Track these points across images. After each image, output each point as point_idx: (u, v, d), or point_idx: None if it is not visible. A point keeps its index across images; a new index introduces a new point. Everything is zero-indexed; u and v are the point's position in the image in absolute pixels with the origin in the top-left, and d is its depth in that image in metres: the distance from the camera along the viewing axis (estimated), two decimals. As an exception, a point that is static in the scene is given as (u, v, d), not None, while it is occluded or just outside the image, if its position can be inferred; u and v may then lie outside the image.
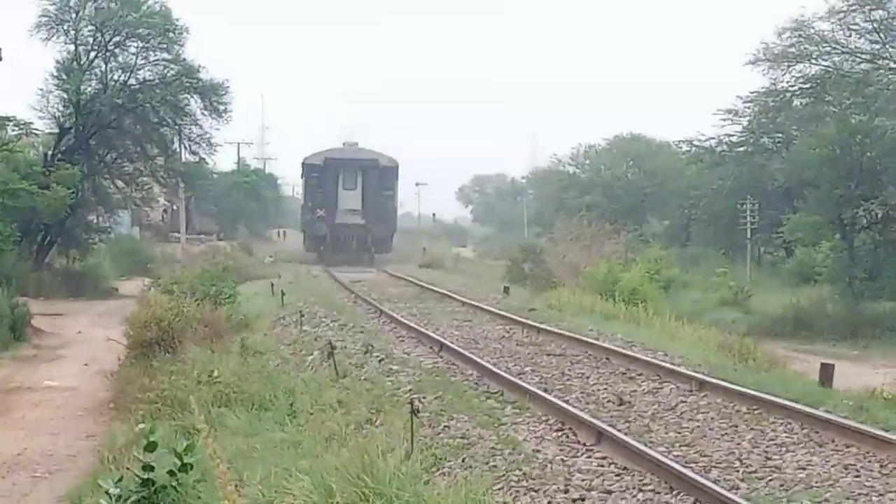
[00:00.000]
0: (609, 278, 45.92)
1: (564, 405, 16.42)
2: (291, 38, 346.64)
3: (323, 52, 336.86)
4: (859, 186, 52.57)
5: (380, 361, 22.07)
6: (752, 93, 74.38)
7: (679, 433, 15.15)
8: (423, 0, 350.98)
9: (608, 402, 17.61)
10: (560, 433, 15.15)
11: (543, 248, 65.05)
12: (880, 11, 63.80)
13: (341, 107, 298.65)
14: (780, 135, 74.51)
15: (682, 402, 17.47)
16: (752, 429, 15.32)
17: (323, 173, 76.50)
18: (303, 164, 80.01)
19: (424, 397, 17.40)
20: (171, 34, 58.37)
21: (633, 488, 12.26)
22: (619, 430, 14.67)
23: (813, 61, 68.16)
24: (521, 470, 12.85)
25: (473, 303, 35.85)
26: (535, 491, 12.13)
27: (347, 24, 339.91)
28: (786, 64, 69.03)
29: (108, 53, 57.99)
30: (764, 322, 49.67)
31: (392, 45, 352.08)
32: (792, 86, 70.71)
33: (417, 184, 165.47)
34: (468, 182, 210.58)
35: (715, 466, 13.20)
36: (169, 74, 59.35)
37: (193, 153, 63.86)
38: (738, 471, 13.00)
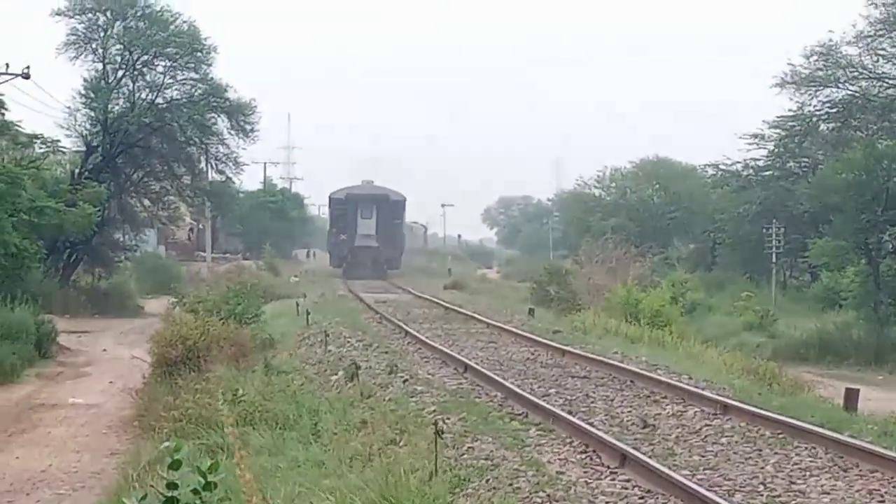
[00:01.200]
0: (630, 301, 45.87)
1: (589, 427, 16.40)
2: (319, 58, 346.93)
3: (346, 70, 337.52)
4: (885, 212, 52.45)
5: (404, 382, 22.05)
6: (778, 118, 74.32)
7: (703, 457, 15.11)
8: (447, 21, 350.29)
9: (632, 424, 17.57)
10: (584, 455, 15.12)
11: (569, 270, 64.98)
12: (908, 37, 63.73)
13: (365, 127, 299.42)
14: (806, 159, 74.35)
15: (707, 425, 17.42)
16: (776, 453, 15.27)
17: (345, 205, 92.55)
18: (329, 197, 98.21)
19: (448, 418, 17.38)
20: (198, 53, 58.70)
21: (657, 511, 12.25)
22: (643, 453, 14.63)
23: (840, 86, 68.10)
24: (544, 492, 12.82)
25: (498, 324, 35.82)
26: (559, 513, 12.12)
27: (371, 34, 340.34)
28: (813, 88, 68.96)
29: (135, 72, 58.32)
30: (789, 346, 49.59)
31: (415, 69, 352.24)
32: (819, 110, 70.67)
33: (443, 205, 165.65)
34: (494, 203, 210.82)
35: (739, 490, 13.16)
36: (196, 94, 59.68)
37: (220, 172, 64.26)
38: (762, 495, 12.95)
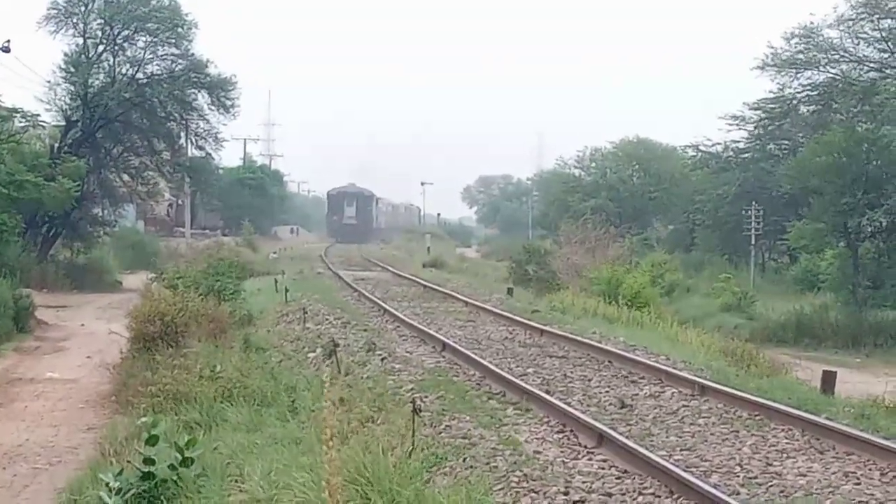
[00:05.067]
0: (612, 281, 45.90)
1: (566, 407, 16.39)
2: (300, 35, 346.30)
3: (327, 48, 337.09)
4: (865, 195, 52.57)
5: (382, 360, 22.04)
6: (759, 99, 74.48)
7: (680, 437, 15.13)
8: (430, 2, 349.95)
9: (610, 405, 17.58)
10: (561, 435, 15.13)
11: (548, 250, 65.01)
12: (889, 20, 63.95)
13: (351, 105, 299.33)
14: (786, 141, 74.60)
15: (684, 406, 17.44)
16: (753, 434, 15.29)
17: (337, 199, 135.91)
18: (327, 193, 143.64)
19: (426, 397, 17.38)
20: (179, 29, 58.50)
21: (634, 491, 12.25)
22: (620, 434, 14.63)
23: (821, 68, 68.32)
24: (521, 471, 12.83)
25: (477, 303, 35.77)
26: (536, 492, 12.11)
27: (353, 19, 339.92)
28: (793, 70, 69.19)
29: (116, 47, 58.14)
30: (767, 328, 49.74)
31: (397, 45, 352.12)
32: (799, 92, 70.94)
33: (423, 183, 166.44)
34: (473, 182, 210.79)
35: (715, 471, 13.18)
36: (177, 69, 59.49)
37: (200, 148, 64.11)
38: (738, 476, 12.97)
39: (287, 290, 36.77)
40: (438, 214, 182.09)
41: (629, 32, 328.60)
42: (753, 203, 69.16)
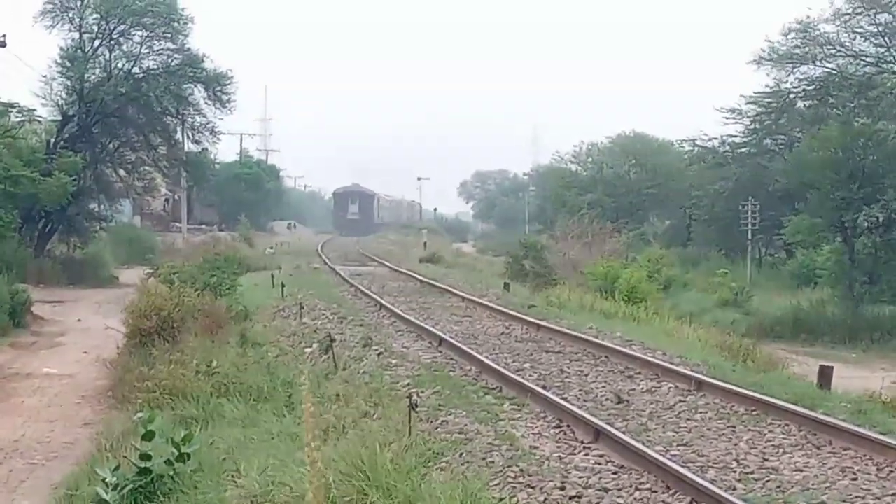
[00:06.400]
0: (609, 276, 45.91)
1: (562, 402, 16.39)
2: (296, 29, 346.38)
3: (323, 43, 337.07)
4: (861, 190, 52.62)
5: (379, 355, 22.05)
6: (755, 93, 74.47)
7: (677, 433, 15.14)
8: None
9: (606, 400, 17.59)
10: (558, 430, 15.13)
11: (544, 245, 64.99)
12: (885, 15, 63.98)
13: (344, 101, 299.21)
14: (783, 136, 74.61)
15: (681, 401, 17.45)
16: (749, 430, 15.29)
17: (343, 196, 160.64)
18: (334, 193, 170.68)
19: (423, 392, 17.40)
20: (175, 23, 58.40)
21: (630, 487, 12.25)
22: (616, 429, 14.63)
23: (817, 63, 68.32)
24: (518, 466, 12.83)
25: (473, 298, 35.77)
26: (532, 487, 12.11)
27: (350, 14, 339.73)
28: (790, 65, 69.14)
29: (112, 42, 58.05)
30: (763, 323, 49.80)
31: (395, 42, 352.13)
32: (796, 87, 70.91)
33: (419, 178, 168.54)
34: (470, 177, 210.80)
35: (712, 466, 13.18)
36: (173, 64, 59.40)
37: (196, 142, 64.00)
38: (734, 471, 12.98)
39: (284, 286, 36.77)
40: (435, 209, 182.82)
41: (626, 26, 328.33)
42: (750, 198, 69.13)
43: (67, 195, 50.46)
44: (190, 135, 63.66)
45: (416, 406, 14.49)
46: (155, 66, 59.69)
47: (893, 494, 12.04)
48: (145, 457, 13.10)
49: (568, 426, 15.24)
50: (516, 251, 61.69)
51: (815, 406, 16.36)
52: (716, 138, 79.86)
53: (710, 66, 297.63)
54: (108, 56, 58.54)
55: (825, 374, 19.94)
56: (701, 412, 16.57)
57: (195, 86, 60.33)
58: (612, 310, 37.11)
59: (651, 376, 19.96)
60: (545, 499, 11.81)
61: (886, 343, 45.67)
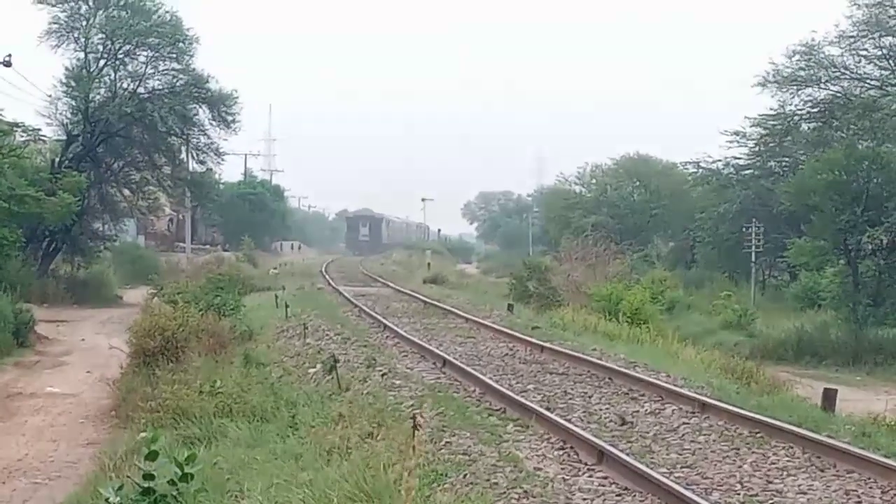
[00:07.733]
0: (613, 298, 45.89)
1: (566, 424, 16.38)
2: (301, 51, 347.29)
3: (328, 64, 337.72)
4: (865, 212, 52.58)
5: (382, 376, 22.03)
6: (759, 115, 74.49)
7: (680, 455, 15.11)
8: (431, 17, 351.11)
9: (610, 421, 17.57)
10: (562, 452, 15.11)
11: (548, 266, 64.95)
12: (890, 38, 64.07)
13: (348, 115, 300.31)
14: (787, 158, 74.58)
15: (685, 423, 17.42)
16: (753, 452, 15.27)
17: (354, 220, 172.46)
18: (346, 217, 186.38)
19: (426, 413, 17.37)
20: (181, 44, 58.59)
21: (634, 509, 12.25)
22: (620, 451, 14.61)
23: (822, 86, 68.35)
24: (521, 488, 12.81)
25: (477, 319, 35.74)
26: (536, 509, 12.11)
27: (354, 27, 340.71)
28: (794, 87, 69.17)
29: (117, 62, 58.20)
30: (767, 346, 49.75)
31: (401, 63, 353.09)
32: (800, 109, 70.91)
33: (423, 199, 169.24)
34: (473, 198, 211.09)
35: (716, 489, 13.16)
36: (178, 84, 59.56)
37: (201, 163, 64.15)
38: (738, 494, 12.95)
39: (287, 306, 36.75)
40: (439, 230, 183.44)
41: (630, 48, 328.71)
42: (754, 220, 69.15)
43: (72, 215, 50.54)
44: (194, 155, 63.86)
45: (420, 427, 14.50)
46: (160, 87, 59.90)
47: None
48: (148, 476, 13.06)
49: (572, 448, 15.22)
50: (520, 272, 61.65)
51: (819, 429, 16.34)
52: (720, 160, 80.00)
53: (714, 87, 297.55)
54: (113, 76, 58.74)
55: (829, 397, 19.91)
56: (705, 434, 16.55)
57: (200, 106, 60.51)
58: (616, 331, 37.09)
59: (655, 398, 19.93)
60: (549, 520, 11.80)
61: (890, 366, 45.59)
